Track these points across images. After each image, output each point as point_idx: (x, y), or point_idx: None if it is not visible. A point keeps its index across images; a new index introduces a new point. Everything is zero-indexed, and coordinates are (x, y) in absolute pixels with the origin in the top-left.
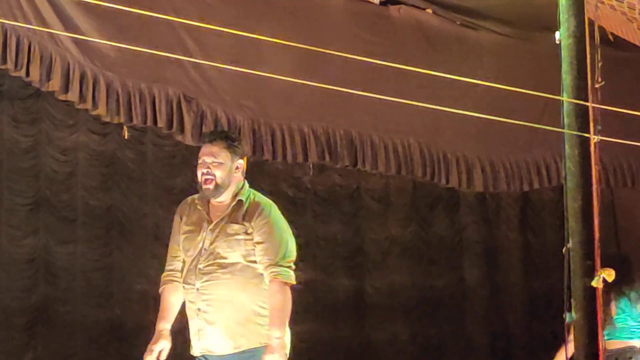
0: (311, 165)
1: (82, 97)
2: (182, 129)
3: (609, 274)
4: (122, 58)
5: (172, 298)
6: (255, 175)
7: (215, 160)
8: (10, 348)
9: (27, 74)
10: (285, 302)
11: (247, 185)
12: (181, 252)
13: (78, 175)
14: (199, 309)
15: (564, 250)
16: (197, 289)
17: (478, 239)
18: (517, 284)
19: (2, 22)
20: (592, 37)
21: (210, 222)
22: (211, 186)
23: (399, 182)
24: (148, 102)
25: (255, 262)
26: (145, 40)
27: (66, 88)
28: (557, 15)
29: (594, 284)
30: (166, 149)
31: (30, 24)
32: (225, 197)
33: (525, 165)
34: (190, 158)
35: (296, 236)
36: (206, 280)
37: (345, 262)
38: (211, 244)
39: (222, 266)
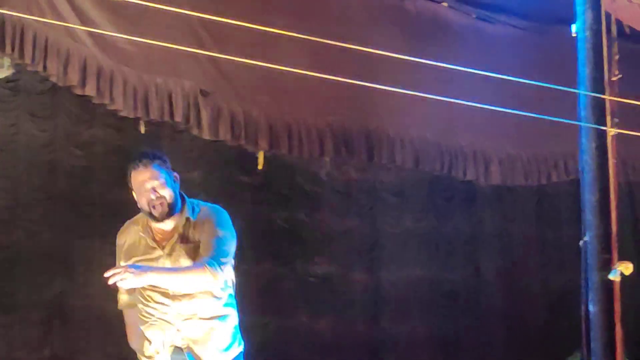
0: (327, 160)
1: (99, 92)
2: (198, 124)
3: (627, 267)
4: (139, 52)
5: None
6: (271, 170)
7: (158, 181)
8: (28, 343)
9: (44, 68)
10: (195, 277)
11: (186, 197)
12: None
13: (95, 170)
14: (178, 329)
15: (581, 243)
16: (177, 329)
17: (494, 233)
18: (533, 278)
19: (19, 17)
20: (608, 30)
21: (162, 247)
22: (164, 208)
23: (416, 176)
24: (165, 97)
25: None
26: (161, 35)
27: (83, 83)
28: (574, 8)
29: (611, 277)
30: (183, 143)
31: (47, 19)
32: (172, 217)
33: (543, 158)
34: (207, 152)
35: (313, 230)
36: (186, 319)
37: (362, 256)
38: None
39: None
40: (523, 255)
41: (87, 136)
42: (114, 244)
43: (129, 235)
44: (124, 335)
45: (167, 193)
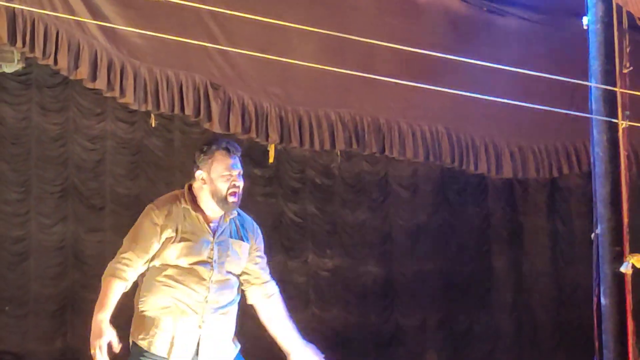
0: (339, 153)
1: (109, 85)
2: (209, 117)
3: (638, 260)
4: (149, 46)
5: (117, 293)
6: (282, 163)
7: (241, 171)
8: (40, 334)
9: (55, 62)
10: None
11: None
12: (149, 254)
13: (106, 163)
14: (203, 321)
15: (592, 236)
16: (206, 300)
17: (506, 226)
18: (544, 271)
19: (30, 11)
20: (620, 22)
21: (212, 234)
22: (237, 199)
23: (427, 169)
24: (175, 90)
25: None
26: (172, 28)
27: (94, 76)
28: (585, 0)
29: (622, 270)
30: (193, 136)
31: (58, 12)
32: None
33: (554, 151)
34: None
35: (324, 223)
36: (216, 292)
37: (374, 249)
38: (219, 257)
39: (229, 280)
40: (534, 248)
41: (98, 130)
42: (123, 236)
43: (177, 216)
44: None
45: (242, 186)
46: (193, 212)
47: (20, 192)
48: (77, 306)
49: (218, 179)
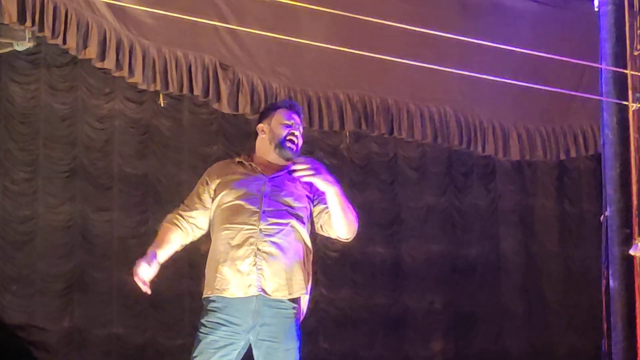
0: (347, 133)
1: (118, 65)
2: (218, 97)
3: None
4: (158, 25)
5: (174, 238)
6: None
7: (301, 125)
8: (47, 314)
9: (64, 41)
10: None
11: None
12: (201, 205)
13: (114, 143)
14: (258, 249)
15: (601, 218)
16: (261, 230)
17: (514, 208)
18: (553, 253)
19: None
20: (630, 4)
21: (265, 174)
22: (294, 146)
23: (436, 150)
24: (184, 70)
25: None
26: (181, 8)
27: (103, 56)
28: None
29: (631, 252)
30: (202, 117)
31: None
32: None
33: (562, 133)
34: (226, 126)
35: None
36: (272, 223)
37: (382, 230)
38: (272, 191)
39: (288, 212)
40: (542, 231)
41: (107, 109)
42: (131, 215)
43: (227, 168)
44: (142, 306)
45: (300, 142)
46: (247, 162)
47: (28, 172)
48: (84, 285)
49: (277, 127)
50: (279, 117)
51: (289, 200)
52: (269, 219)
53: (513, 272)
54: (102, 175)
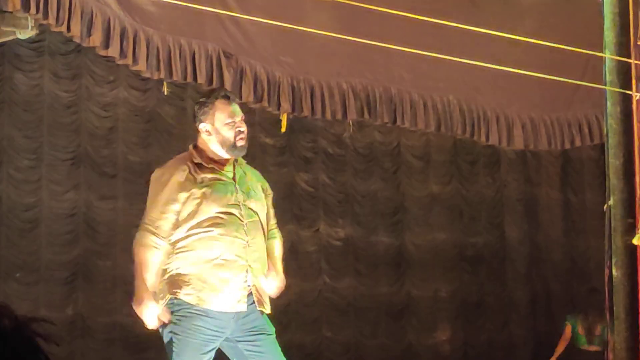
0: (350, 122)
1: (122, 53)
2: (222, 85)
3: None
4: (162, 14)
5: (154, 262)
6: (294, 132)
7: (243, 118)
8: (51, 301)
9: (68, 29)
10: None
11: None
12: (173, 211)
13: (118, 130)
14: (249, 265)
15: (605, 207)
16: (248, 243)
17: (518, 197)
18: (557, 242)
19: None
20: None
21: (231, 179)
22: (245, 143)
23: (440, 139)
24: (188, 58)
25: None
26: None
27: (107, 44)
28: None
29: (635, 241)
30: None
31: None
32: None
33: (567, 123)
34: None
35: (336, 193)
36: (253, 237)
37: (386, 219)
38: (244, 200)
39: (258, 223)
40: (546, 220)
41: (111, 97)
42: (135, 203)
43: (194, 169)
44: None
45: (246, 131)
46: (206, 164)
47: (32, 159)
48: (89, 273)
49: (223, 128)
50: (220, 116)
51: (258, 207)
52: (250, 231)
53: (518, 261)
54: (106, 163)
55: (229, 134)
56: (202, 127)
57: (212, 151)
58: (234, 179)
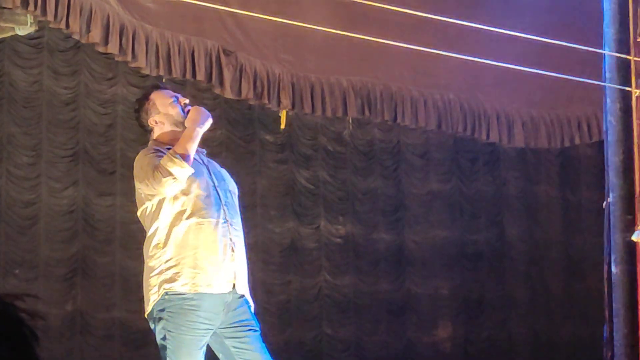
0: (350, 120)
1: (121, 50)
2: (221, 82)
3: None
4: (161, 11)
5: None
6: (294, 129)
7: (179, 94)
8: (50, 298)
9: (67, 26)
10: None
11: None
12: None
13: (117, 127)
14: (233, 245)
15: (604, 205)
16: (231, 224)
17: (518, 195)
18: (556, 239)
19: None
20: None
21: (200, 161)
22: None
23: (440, 137)
24: (187, 55)
25: None
26: None
27: (106, 40)
28: None
29: (634, 238)
30: (205, 102)
31: None
32: None
33: (567, 121)
34: (229, 111)
35: (336, 190)
36: (234, 217)
37: (386, 217)
38: (217, 179)
39: (234, 203)
40: (546, 217)
41: (110, 94)
42: (134, 200)
43: (159, 150)
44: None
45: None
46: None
47: (31, 156)
48: (87, 270)
49: (168, 108)
50: (161, 101)
51: (232, 186)
52: (231, 212)
53: (518, 259)
54: (105, 160)
55: (177, 110)
56: (152, 121)
57: (172, 137)
58: (203, 162)
